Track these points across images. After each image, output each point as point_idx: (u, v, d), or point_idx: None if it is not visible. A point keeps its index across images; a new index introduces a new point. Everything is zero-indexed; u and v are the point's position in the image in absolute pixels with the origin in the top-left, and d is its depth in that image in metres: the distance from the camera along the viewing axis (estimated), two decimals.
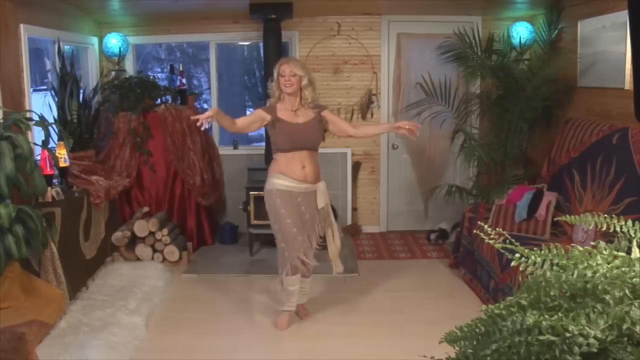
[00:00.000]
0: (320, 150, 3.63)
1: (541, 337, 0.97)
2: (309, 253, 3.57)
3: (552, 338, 0.96)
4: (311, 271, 3.72)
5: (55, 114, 4.43)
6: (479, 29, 5.32)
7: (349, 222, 5.73)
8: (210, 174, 5.35)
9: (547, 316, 0.99)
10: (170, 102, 5.22)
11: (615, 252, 1.12)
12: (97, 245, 4.39)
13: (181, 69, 5.46)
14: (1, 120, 3.31)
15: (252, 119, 3.51)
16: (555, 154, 4.39)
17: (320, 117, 3.53)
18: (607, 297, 1.01)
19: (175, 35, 5.79)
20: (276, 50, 4.97)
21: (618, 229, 1.21)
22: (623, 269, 1.06)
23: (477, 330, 1.14)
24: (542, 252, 1.16)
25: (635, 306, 0.98)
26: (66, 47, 4.67)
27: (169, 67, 5.70)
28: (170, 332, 3.61)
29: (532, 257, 1.17)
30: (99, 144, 5.03)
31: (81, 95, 4.62)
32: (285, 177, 3.45)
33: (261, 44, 5.53)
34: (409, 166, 5.77)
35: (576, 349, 0.95)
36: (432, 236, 5.45)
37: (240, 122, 3.43)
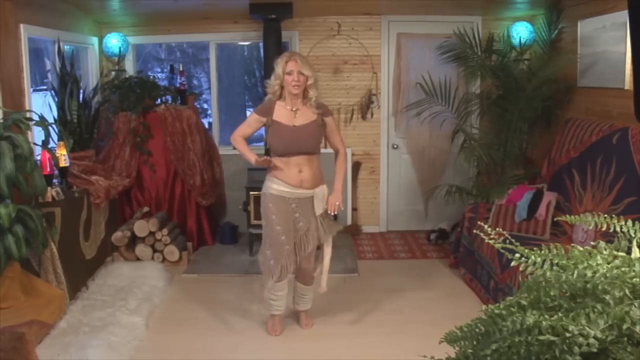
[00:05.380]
0: (321, 150, 3.52)
1: (541, 337, 0.97)
2: (291, 263, 3.38)
3: (552, 338, 0.96)
4: (312, 279, 3.60)
5: (55, 114, 4.43)
6: (479, 29, 5.32)
7: (349, 222, 5.72)
8: (210, 174, 5.35)
9: (547, 316, 0.99)
10: (170, 102, 5.22)
11: (615, 252, 1.12)
12: (97, 245, 4.39)
13: (181, 69, 5.46)
14: (1, 120, 3.32)
15: (252, 130, 3.42)
16: (555, 154, 4.39)
17: (323, 122, 3.37)
18: (607, 297, 1.01)
19: (175, 35, 5.78)
20: (276, 50, 4.97)
21: (618, 229, 1.20)
22: (623, 269, 1.06)
23: (477, 330, 1.13)
24: (542, 252, 1.16)
25: (635, 306, 0.98)
26: (66, 47, 4.68)
27: (169, 67, 5.70)
28: (170, 332, 3.61)
29: (532, 257, 1.17)
30: (99, 144, 5.03)
31: (81, 95, 4.63)
32: (280, 182, 3.30)
33: (261, 44, 5.54)
34: (409, 166, 5.77)
35: (576, 349, 0.95)
36: (432, 236, 5.45)
37: (244, 135, 3.41)
